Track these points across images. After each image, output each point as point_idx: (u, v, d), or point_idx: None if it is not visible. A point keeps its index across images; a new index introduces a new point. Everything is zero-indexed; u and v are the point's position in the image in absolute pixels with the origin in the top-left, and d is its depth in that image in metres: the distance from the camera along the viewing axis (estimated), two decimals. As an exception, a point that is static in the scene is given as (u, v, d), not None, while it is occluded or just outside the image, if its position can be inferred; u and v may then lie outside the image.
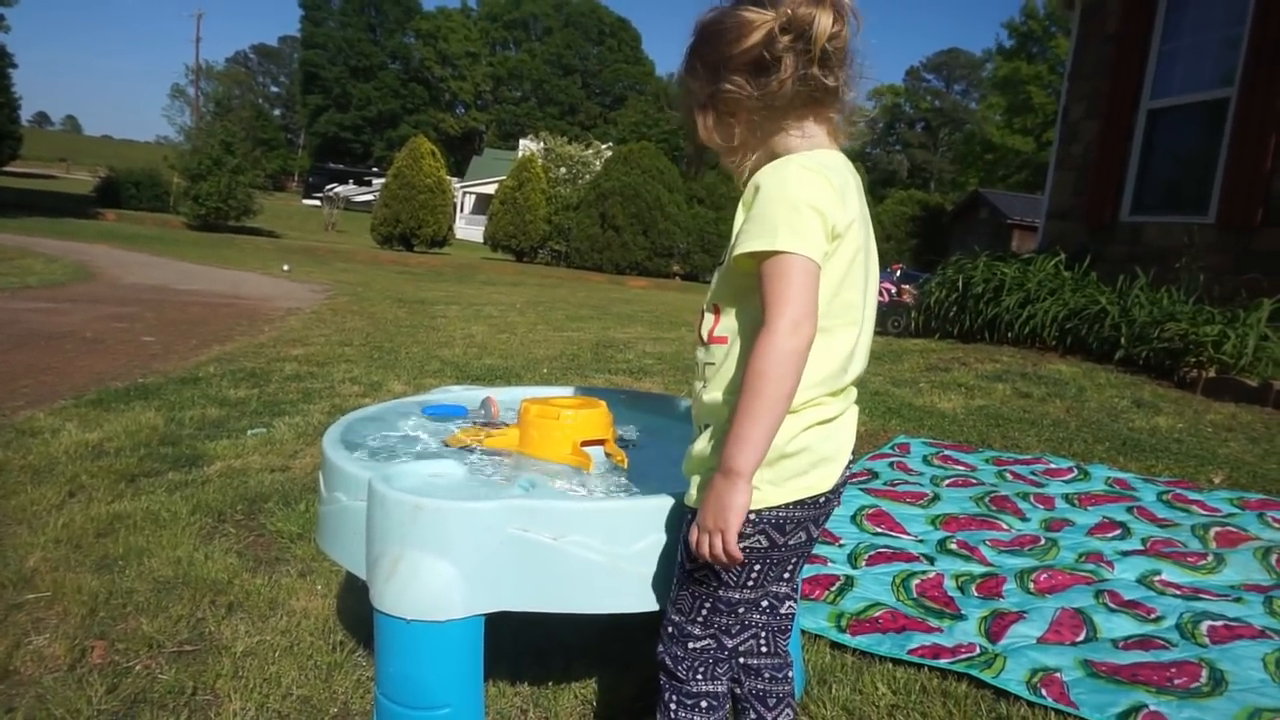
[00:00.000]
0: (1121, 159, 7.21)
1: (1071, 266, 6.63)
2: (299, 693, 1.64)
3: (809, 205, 1.05)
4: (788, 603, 1.35)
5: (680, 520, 1.26)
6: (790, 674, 1.36)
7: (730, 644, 1.22)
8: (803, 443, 1.10)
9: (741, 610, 1.19)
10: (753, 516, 1.10)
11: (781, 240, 1.03)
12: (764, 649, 1.33)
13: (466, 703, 1.27)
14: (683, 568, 1.19)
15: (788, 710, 1.34)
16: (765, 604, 1.28)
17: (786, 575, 1.23)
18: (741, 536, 1.08)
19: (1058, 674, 1.84)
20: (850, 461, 1.19)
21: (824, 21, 1.07)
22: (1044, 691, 1.76)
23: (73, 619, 1.88)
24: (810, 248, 1.03)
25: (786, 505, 1.11)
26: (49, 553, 2.19)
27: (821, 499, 1.14)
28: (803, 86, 1.10)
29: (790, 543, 1.14)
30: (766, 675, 1.33)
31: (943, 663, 1.87)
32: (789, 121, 1.14)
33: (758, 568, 1.15)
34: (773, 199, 1.06)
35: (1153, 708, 1.71)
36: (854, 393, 1.19)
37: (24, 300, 7.14)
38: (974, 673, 1.82)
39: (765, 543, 1.12)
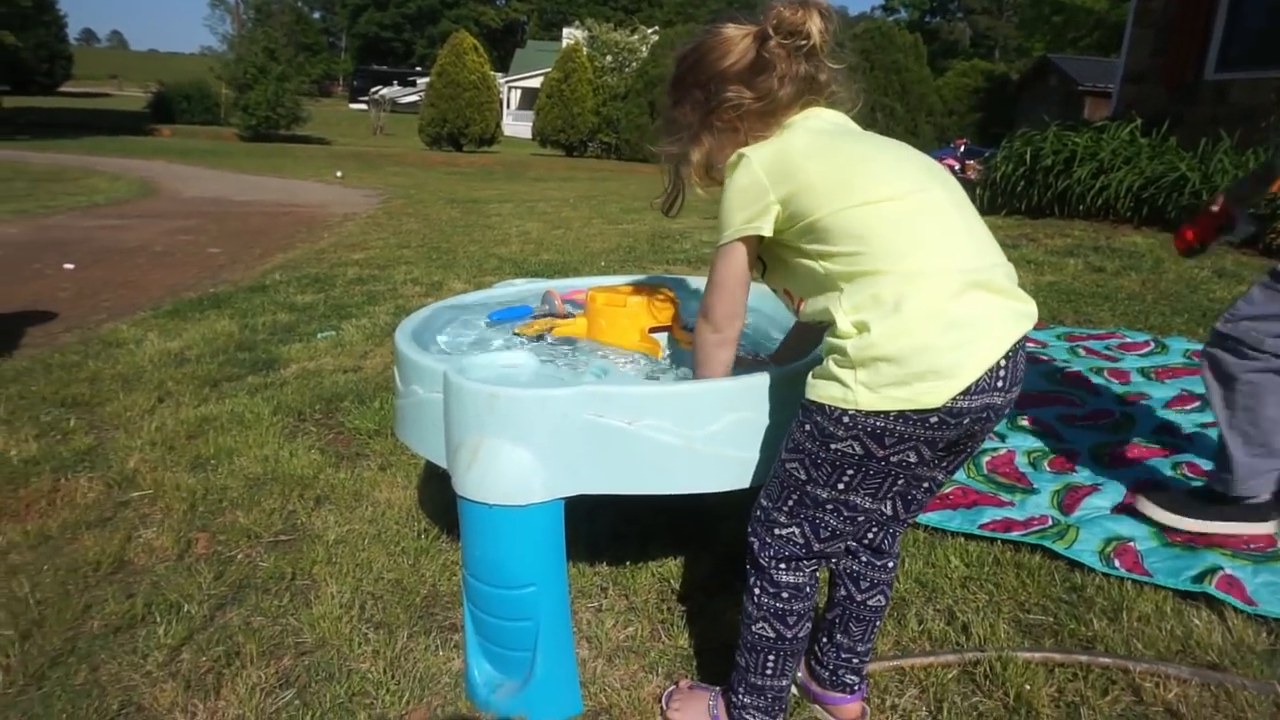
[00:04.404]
0: (1207, 9, 6.70)
1: (1149, 132, 6.27)
2: (390, 576, 1.73)
3: None
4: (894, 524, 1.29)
5: (759, 401, 1.27)
6: (891, 564, 1.32)
7: (817, 546, 1.17)
8: (899, 348, 1.02)
9: (829, 509, 1.13)
10: (846, 419, 1.06)
11: None
12: (866, 541, 1.30)
13: (550, 581, 1.32)
14: (779, 455, 1.18)
15: (880, 595, 1.31)
16: (858, 517, 1.16)
17: (892, 493, 1.14)
18: (835, 439, 1.07)
19: (1131, 543, 1.84)
20: (1003, 385, 1.05)
21: (816, 23, 1.16)
22: (1117, 562, 1.76)
23: (175, 514, 2.00)
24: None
25: (884, 414, 1.03)
26: (146, 454, 2.32)
27: (933, 418, 1.03)
28: (798, 84, 1.18)
29: (892, 459, 1.07)
30: (864, 558, 1.31)
31: (1014, 535, 1.87)
32: (781, 118, 1.20)
33: (849, 473, 1.10)
34: None
35: (1228, 570, 1.71)
36: (996, 298, 1.10)
37: (94, 218, 7.33)
38: (1046, 544, 1.82)
39: (859, 450, 1.07)
